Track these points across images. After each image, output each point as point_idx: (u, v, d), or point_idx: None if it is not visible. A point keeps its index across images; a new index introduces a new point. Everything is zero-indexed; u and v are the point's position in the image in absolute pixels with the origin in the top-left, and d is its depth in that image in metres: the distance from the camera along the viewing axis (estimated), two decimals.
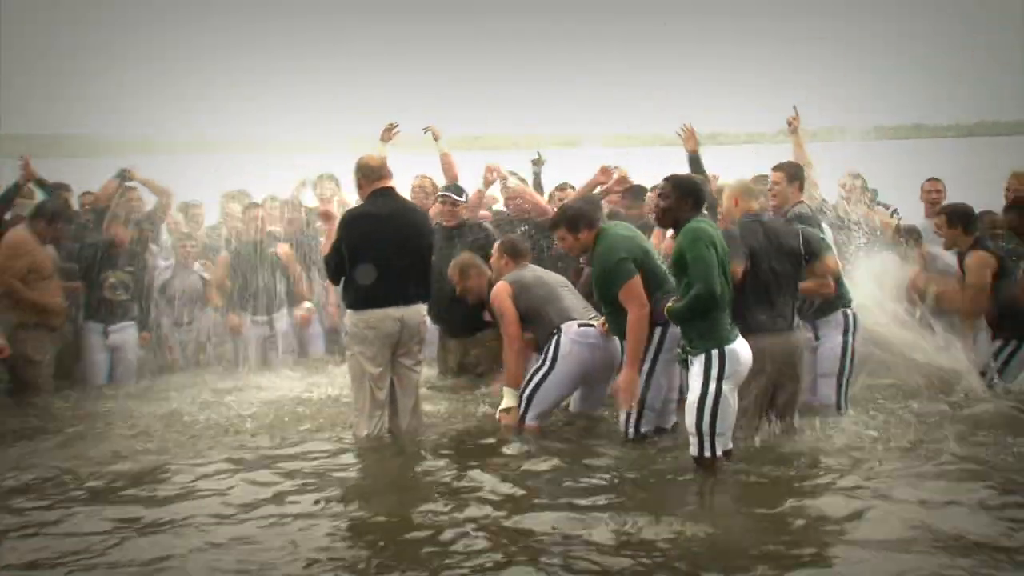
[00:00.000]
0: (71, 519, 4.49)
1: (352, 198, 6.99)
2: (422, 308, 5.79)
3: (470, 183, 7.34)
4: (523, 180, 7.76)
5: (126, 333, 7.32)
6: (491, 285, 6.09)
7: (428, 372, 6.76)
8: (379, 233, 5.54)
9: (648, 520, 4.30)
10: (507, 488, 4.84)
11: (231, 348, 7.81)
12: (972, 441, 5.40)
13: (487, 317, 6.35)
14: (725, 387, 4.76)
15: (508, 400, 5.77)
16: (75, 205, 7.91)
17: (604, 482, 4.91)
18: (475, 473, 5.08)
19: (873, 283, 6.27)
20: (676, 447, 5.20)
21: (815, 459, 5.17)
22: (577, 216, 5.44)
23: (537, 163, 8.63)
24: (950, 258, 6.80)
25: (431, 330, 6.65)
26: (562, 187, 7.66)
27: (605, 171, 7.14)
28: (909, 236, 7.03)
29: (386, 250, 5.54)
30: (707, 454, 4.81)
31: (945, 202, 7.88)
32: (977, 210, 7.32)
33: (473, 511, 4.53)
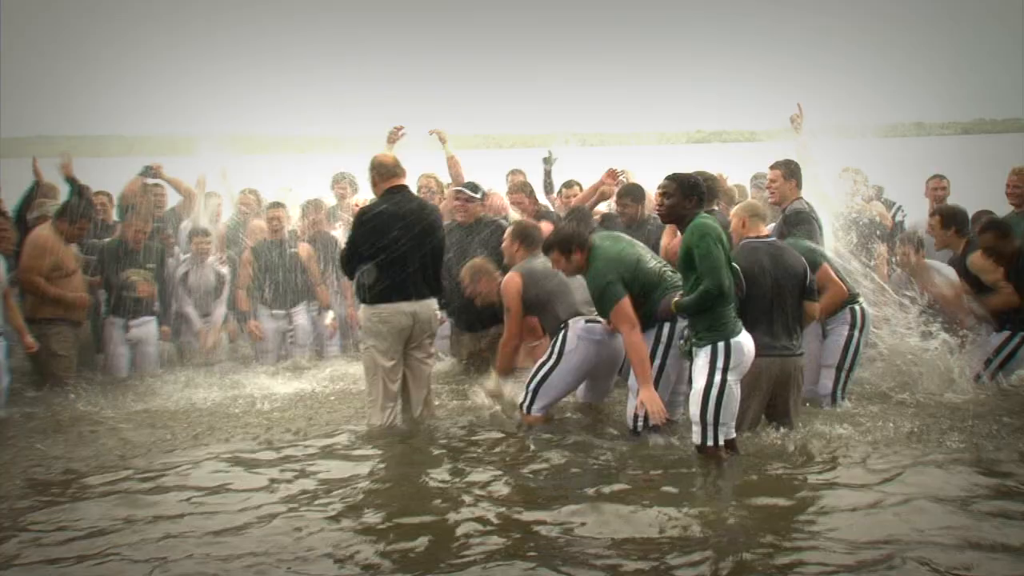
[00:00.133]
0: (95, 513, 4.55)
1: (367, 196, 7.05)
2: (434, 303, 5.91)
3: (483, 182, 7.39)
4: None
5: (147, 327, 7.54)
6: (506, 270, 6.14)
7: (441, 366, 6.87)
8: (392, 230, 5.67)
9: (651, 511, 4.38)
10: (512, 480, 4.93)
11: (256, 329, 7.95)
12: (967, 433, 5.47)
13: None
14: (730, 378, 4.87)
15: (492, 384, 5.92)
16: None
17: (608, 474, 4.97)
18: (483, 465, 5.15)
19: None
20: (680, 439, 5.28)
21: (811, 451, 5.23)
22: (568, 239, 5.51)
23: (548, 161, 8.74)
24: (948, 270, 6.83)
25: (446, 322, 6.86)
26: (569, 184, 7.81)
27: (611, 174, 7.22)
28: (910, 243, 7.01)
29: (399, 247, 5.67)
30: (709, 443, 4.92)
31: (949, 199, 8.10)
32: (976, 208, 7.51)
33: (480, 504, 4.58)
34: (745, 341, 4.95)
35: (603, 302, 5.40)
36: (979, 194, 8.53)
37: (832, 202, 7.03)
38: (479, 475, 5.01)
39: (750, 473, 4.91)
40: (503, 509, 4.51)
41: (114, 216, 8.29)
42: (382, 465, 5.34)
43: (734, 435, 5.02)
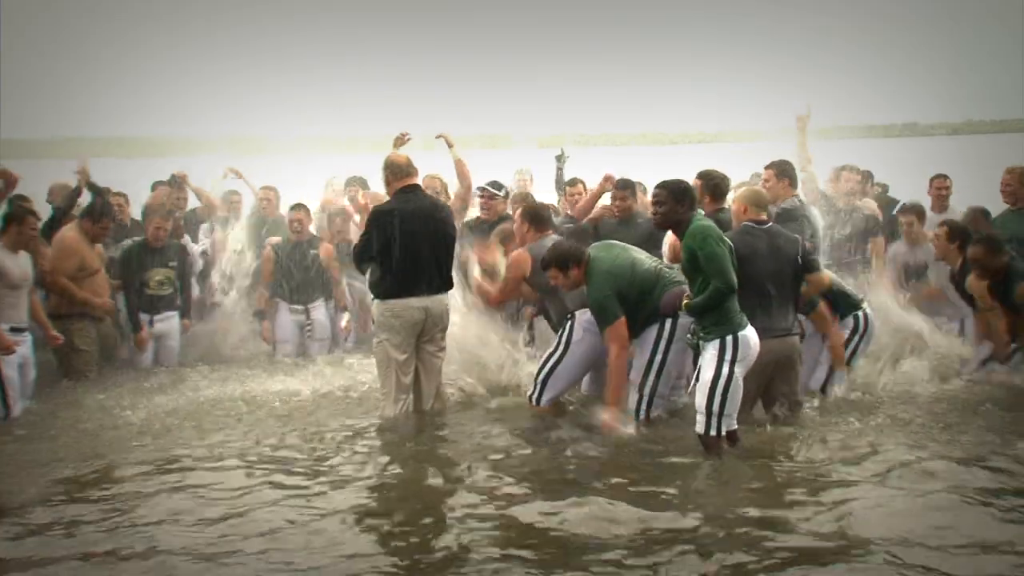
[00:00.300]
0: (106, 506, 4.63)
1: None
2: (445, 298, 6.04)
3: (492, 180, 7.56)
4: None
5: (170, 322, 7.78)
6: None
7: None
8: (405, 228, 5.81)
9: (650, 505, 4.45)
10: (513, 475, 4.95)
11: (268, 333, 8.13)
12: (963, 423, 5.60)
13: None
14: (737, 370, 4.98)
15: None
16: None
17: (608, 468, 5.05)
18: (487, 458, 5.22)
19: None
20: (682, 430, 5.39)
21: (807, 442, 5.34)
22: (564, 256, 5.67)
23: (560, 159, 8.93)
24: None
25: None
26: (573, 183, 7.95)
27: (609, 179, 7.32)
28: (913, 212, 7.30)
29: (412, 244, 5.82)
30: (712, 432, 5.02)
31: (952, 198, 8.19)
32: (968, 204, 7.59)
33: (481, 499, 4.64)
34: (751, 335, 5.06)
35: (600, 318, 5.60)
36: (976, 193, 8.66)
37: (831, 200, 7.27)
38: (481, 469, 5.06)
39: (750, 465, 5.01)
40: (503, 504, 4.56)
41: (132, 215, 8.47)
42: (388, 459, 5.38)
43: (736, 426, 5.13)
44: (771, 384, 5.61)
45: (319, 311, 8.26)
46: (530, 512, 4.42)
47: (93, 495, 4.81)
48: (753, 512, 4.36)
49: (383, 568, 3.95)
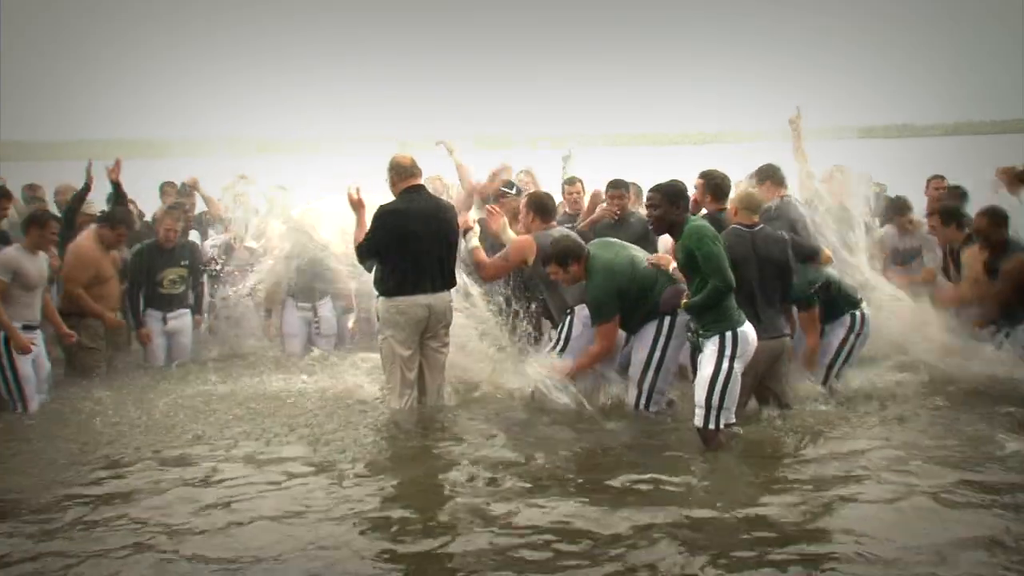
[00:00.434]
0: (119, 500, 4.75)
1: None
2: (448, 295, 6.16)
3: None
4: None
5: (182, 320, 7.95)
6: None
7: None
8: (409, 227, 5.94)
9: (650, 499, 4.55)
10: (514, 470, 5.02)
11: (273, 331, 8.28)
12: (957, 419, 5.68)
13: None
14: (736, 366, 5.10)
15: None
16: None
17: (608, 463, 5.15)
18: (489, 452, 5.32)
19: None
20: (679, 424, 5.54)
21: (802, 435, 5.45)
22: (564, 253, 5.80)
23: (567, 159, 9.10)
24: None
25: None
26: (571, 182, 8.05)
27: (596, 195, 7.45)
28: (897, 207, 7.47)
29: (416, 242, 5.94)
30: (711, 426, 5.13)
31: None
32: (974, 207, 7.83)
33: (482, 492, 4.72)
34: (749, 331, 5.17)
35: (596, 314, 5.74)
36: (975, 194, 8.82)
37: (825, 199, 7.43)
38: (482, 465, 5.12)
39: (748, 463, 5.09)
40: (504, 501, 4.60)
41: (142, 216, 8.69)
42: (392, 453, 5.50)
43: (733, 419, 5.24)
44: (762, 383, 5.71)
45: (326, 308, 8.39)
46: (531, 509, 4.47)
47: (103, 492, 4.90)
48: (752, 510, 4.39)
49: (385, 564, 4.00)
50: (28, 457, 5.55)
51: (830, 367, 6.32)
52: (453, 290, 6.29)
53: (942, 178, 8.54)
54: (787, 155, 7.18)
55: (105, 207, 7.94)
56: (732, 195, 6.17)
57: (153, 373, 7.55)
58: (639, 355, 5.82)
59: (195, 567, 3.98)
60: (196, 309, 8.18)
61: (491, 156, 8.62)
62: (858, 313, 6.34)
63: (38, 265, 6.48)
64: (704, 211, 6.14)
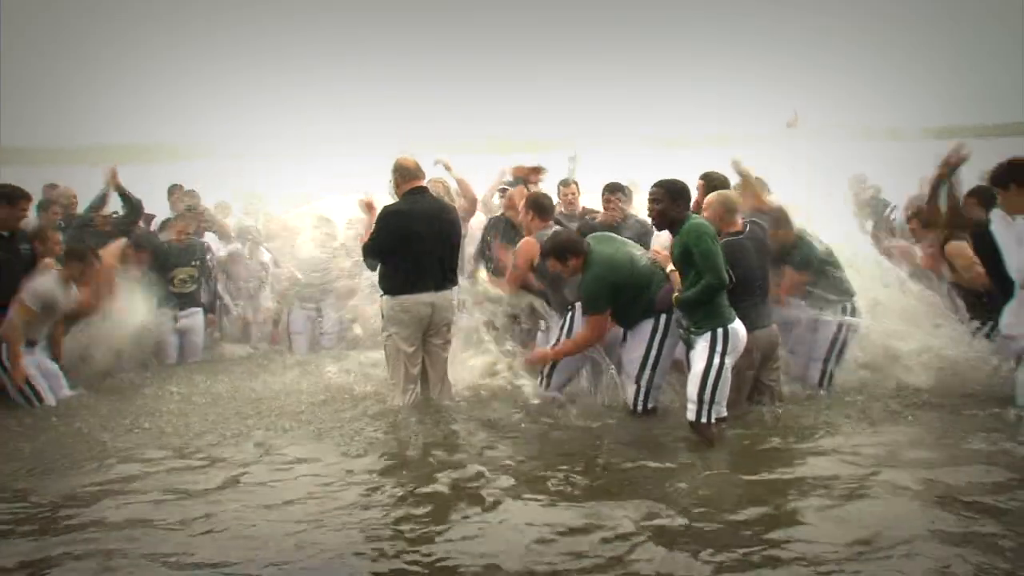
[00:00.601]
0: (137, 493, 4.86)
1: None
2: (451, 293, 6.33)
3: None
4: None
5: (194, 318, 8.17)
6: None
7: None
8: (413, 227, 6.10)
9: (653, 496, 4.61)
10: (515, 466, 5.13)
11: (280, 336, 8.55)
12: (952, 417, 5.76)
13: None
14: (727, 361, 5.23)
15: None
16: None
17: (608, 459, 5.22)
18: (490, 447, 5.43)
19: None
20: (677, 421, 5.62)
21: (798, 431, 5.58)
22: (562, 246, 5.93)
23: (573, 160, 9.19)
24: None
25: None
26: (566, 183, 8.23)
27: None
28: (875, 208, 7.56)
29: (418, 243, 6.11)
30: (703, 420, 5.26)
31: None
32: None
33: (482, 488, 4.79)
34: (739, 328, 5.30)
35: (588, 305, 5.86)
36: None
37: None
38: (484, 461, 5.21)
39: (745, 459, 5.19)
40: (505, 498, 4.68)
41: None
42: (396, 448, 5.59)
43: (725, 413, 5.36)
44: (756, 379, 5.87)
45: (330, 307, 8.63)
46: (531, 505, 4.57)
47: (113, 489, 4.99)
48: (751, 511, 4.44)
49: (387, 560, 4.08)
50: (42, 454, 5.68)
51: (825, 363, 6.45)
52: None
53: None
54: (787, 157, 7.32)
55: (116, 212, 8.15)
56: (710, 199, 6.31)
57: (164, 371, 7.73)
58: (636, 352, 5.95)
59: (203, 563, 4.07)
60: (208, 308, 8.40)
61: (497, 159, 8.79)
62: (849, 306, 6.45)
63: (69, 298, 6.62)
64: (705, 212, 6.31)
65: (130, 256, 7.53)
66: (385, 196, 6.48)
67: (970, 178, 7.03)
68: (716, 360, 5.25)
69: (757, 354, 5.75)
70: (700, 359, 5.28)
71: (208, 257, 8.58)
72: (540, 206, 6.62)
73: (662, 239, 6.90)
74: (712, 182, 6.41)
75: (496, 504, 4.58)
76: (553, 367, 6.24)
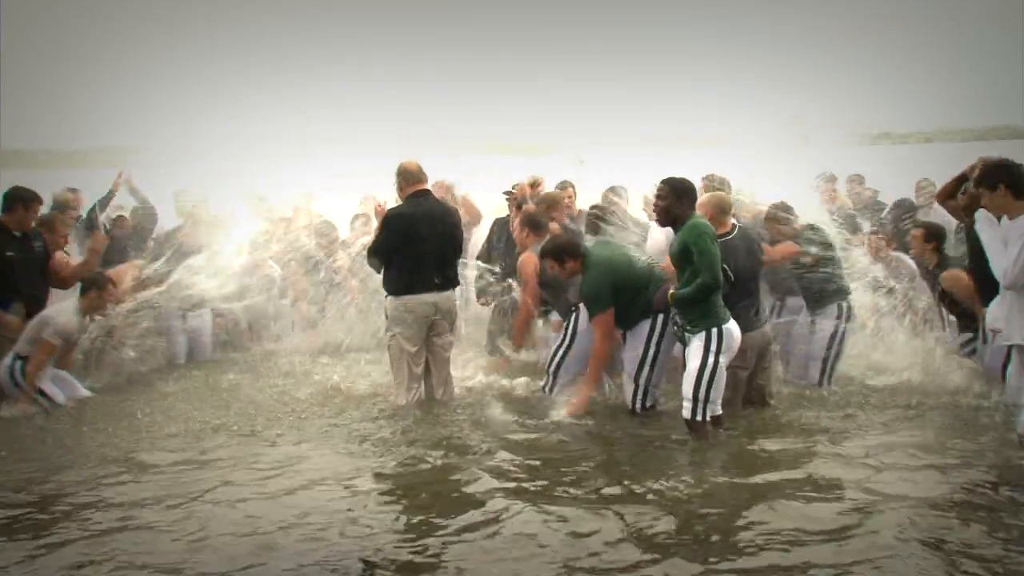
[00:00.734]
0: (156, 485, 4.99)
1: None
2: (453, 295, 6.44)
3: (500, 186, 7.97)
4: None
5: (203, 319, 8.28)
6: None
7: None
8: (416, 230, 6.22)
9: (653, 492, 4.69)
10: (516, 464, 5.23)
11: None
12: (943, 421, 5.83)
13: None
14: (721, 360, 5.32)
15: (505, 350, 6.45)
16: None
17: (608, 455, 5.35)
18: (492, 449, 5.48)
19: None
20: (673, 420, 5.70)
21: (793, 432, 5.67)
22: (560, 248, 6.07)
23: (580, 164, 9.51)
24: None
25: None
26: (563, 186, 8.21)
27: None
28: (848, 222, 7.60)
29: (421, 244, 6.23)
30: (698, 418, 5.36)
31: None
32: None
33: (483, 485, 4.88)
34: (734, 328, 5.39)
35: (592, 306, 5.95)
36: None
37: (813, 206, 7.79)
38: (484, 459, 5.33)
39: (736, 454, 5.28)
40: (505, 496, 4.74)
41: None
42: (398, 445, 5.67)
43: (720, 411, 5.46)
44: (753, 374, 5.98)
45: (331, 307, 8.62)
46: (531, 504, 4.60)
47: (124, 484, 5.10)
48: (750, 513, 4.47)
49: (390, 555, 4.14)
50: (56, 451, 5.78)
51: (825, 361, 6.59)
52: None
53: (931, 182, 8.77)
54: (786, 158, 7.44)
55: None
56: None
57: (173, 370, 7.84)
58: (635, 352, 6.05)
59: (216, 557, 4.15)
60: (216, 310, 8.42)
61: (498, 160, 8.92)
62: (845, 304, 6.57)
63: (84, 328, 6.78)
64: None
65: (142, 275, 7.57)
66: (385, 196, 6.65)
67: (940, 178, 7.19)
68: (710, 359, 5.35)
69: (752, 355, 5.86)
70: (695, 358, 5.38)
71: None
72: (534, 223, 6.78)
73: (655, 235, 7.11)
74: (713, 183, 6.57)
75: (496, 504, 4.65)
76: (558, 368, 6.33)
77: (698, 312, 5.39)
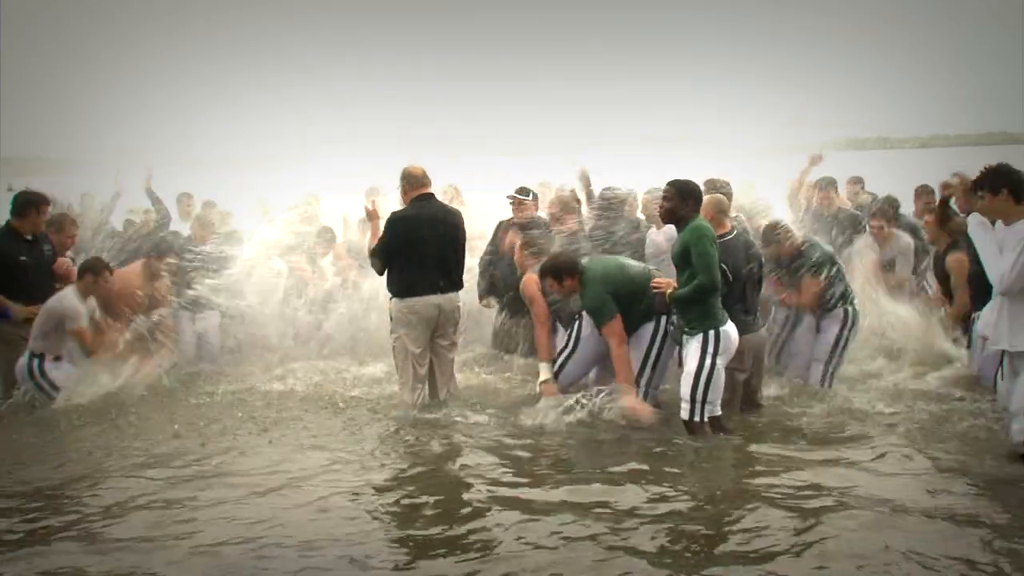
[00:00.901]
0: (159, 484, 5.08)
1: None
2: (456, 296, 6.56)
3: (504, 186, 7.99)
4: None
5: (210, 320, 8.39)
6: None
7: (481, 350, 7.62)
8: (420, 232, 6.34)
9: (651, 491, 4.78)
10: (515, 463, 5.33)
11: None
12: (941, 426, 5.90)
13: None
14: (719, 362, 5.43)
15: (544, 373, 6.37)
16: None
17: (609, 455, 5.46)
18: (493, 447, 5.59)
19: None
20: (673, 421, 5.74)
21: (791, 431, 5.78)
22: (559, 267, 6.16)
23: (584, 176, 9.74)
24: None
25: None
26: (525, 192, 8.63)
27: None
28: (883, 216, 7.85)
29: (426, 247, 6.34)
30: (696, 418, 5.46)
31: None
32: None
33: (484, 484, 4.97)
34: (731, 330, 5.48)
35: (598, 318, 6.03)
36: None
37: (818, 211, 7.95)
38: (486, 458, 5.41)
39: (732, 457, 5.38)
40: (505, 495, 4.84)
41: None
42: (401, 443, 5.81)
43: (719, 412, 5.56)
44: (749, 376, 6.08)
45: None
46: (528, 506, 4.66)
47: (125, 483, 5.18)
48: (751, 516, 4.52)
49: (392, 552, 4.24)
50: (63, 449, 5.91)
51: (827, 364, 6.69)
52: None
53: (928, 188, 8.75)
54: (785, 157, 7.56)
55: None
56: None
57: (179, 370, 7.87)
58: (636, 353, 6.15)
59: (223, 552, 4.25)
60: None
61: (497, 160, 9.03)
62: (850, 309, 6.67)
63: (87, 311, 6.93)
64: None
65: (153, 266, 7.69)
66: (386, 196, 6.78)
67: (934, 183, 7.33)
68: (708, 360, 5.46)
69: (749, 357, 5.97)
70: (692, 359, 5.49)
71: None
72: (533, 246, 6.87)
73: (653, 237, 7.25)
74: (713, 187, 6.64)
75: (496, 505, 4.70)
76: (562, 368, 6.44)
77: (696, 313, 5.49)
